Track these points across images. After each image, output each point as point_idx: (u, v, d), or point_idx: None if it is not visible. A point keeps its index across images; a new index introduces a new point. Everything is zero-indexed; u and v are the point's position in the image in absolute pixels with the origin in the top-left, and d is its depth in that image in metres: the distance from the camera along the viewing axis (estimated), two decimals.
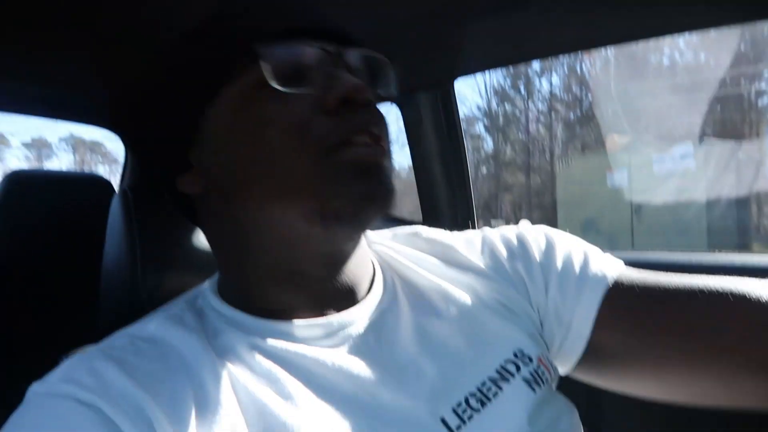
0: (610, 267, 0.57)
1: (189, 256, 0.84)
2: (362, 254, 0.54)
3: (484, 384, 0.49)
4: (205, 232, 0.57)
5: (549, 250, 0.59)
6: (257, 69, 0.46)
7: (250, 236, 0.50)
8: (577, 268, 0.57)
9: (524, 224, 0.63)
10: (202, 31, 0.52)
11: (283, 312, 0.49)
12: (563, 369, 0.59)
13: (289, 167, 0.46)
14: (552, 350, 0.57)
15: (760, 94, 9.19)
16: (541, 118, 14.50)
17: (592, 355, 0.56)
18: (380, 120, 0.49)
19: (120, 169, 1.21)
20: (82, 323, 0.94)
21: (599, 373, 0.58)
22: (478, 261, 0.59)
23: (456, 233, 0.64)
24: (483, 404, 0.47)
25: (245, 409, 0.43)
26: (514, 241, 0.61)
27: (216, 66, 0.49)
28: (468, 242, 0.62)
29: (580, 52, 0.88)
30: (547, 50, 0.88)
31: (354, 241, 0.51)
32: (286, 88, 0.46)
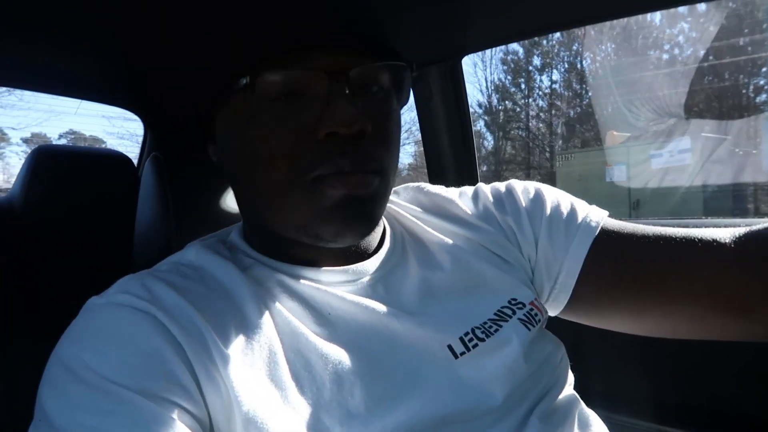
0: (596, 216, 0.60)
1: (220, 217, 0.89)
2: None
3: (485, 323, 0.53)
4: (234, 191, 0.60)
5: (537, 199, 0.62)
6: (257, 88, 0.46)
7: (264, 214, 0.53)
8: (565, 216, 0.60)
9: (514, 180, 0.67)
10: (207, 42, 0.52)
11: (306, 261, 0.54)
12: (550, 313, 0.63)
13: (276, 189, 0.48)
14: (541, 298, 0.61)
15: (758, 90, 9.22)
16: (542, 114, 14.54)
17: (575, 303, 0.60)
18: (371, 150, 0.48)
19: None
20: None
21: (582, 316, 0.62)
22: (474, 214, 0.63)
23: (453, 189, 0.68)
24: (487, 336, 0.52)
25: (281, 331, 0.47)
26: (503, 193, 0.64)
27: (219, 77, 0.49)
28: (464, 196, 0.66)
29: (584, 24, 0.93)
30: (553, 24, 0.93)
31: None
32: (277, 117, 0.47)
